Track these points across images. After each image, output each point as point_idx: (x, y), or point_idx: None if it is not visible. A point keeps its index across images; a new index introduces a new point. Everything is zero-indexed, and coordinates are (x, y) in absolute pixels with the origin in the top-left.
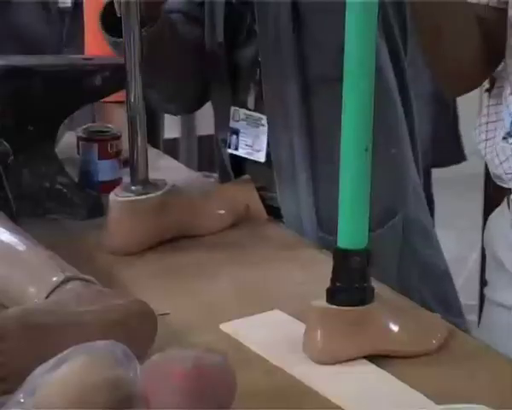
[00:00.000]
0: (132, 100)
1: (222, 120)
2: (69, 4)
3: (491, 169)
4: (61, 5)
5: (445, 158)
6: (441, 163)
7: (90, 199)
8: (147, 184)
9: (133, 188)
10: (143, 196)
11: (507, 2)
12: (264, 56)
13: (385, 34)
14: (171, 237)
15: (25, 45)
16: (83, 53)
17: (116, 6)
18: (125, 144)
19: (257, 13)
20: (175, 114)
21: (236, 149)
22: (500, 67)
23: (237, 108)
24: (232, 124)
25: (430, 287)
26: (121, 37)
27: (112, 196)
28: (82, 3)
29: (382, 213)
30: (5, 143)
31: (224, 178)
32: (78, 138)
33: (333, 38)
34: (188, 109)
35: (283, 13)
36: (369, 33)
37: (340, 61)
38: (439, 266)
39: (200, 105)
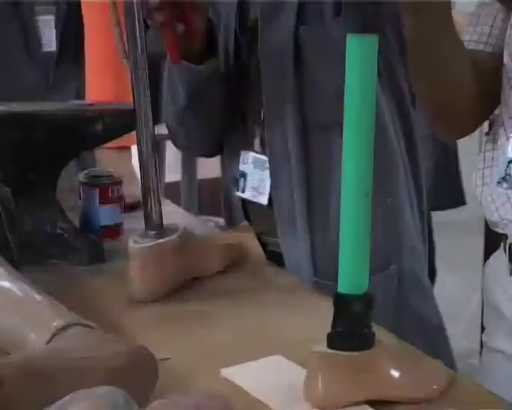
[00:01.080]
0: (144, 145)
1: (232, 163)
2: (54, 49)
3: (487, 216)
4: (45, 49)
5: (445, 201)
6: (441, 206)
7: (91, 244)
8: (161, 229)
9: (150, 233)
10: (163, 240)
11: (503, 48)
12: (267, 98)
13: (388, 77)
14: (184, 280)
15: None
16: (72, 98)
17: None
18: (126, 189)
19: (260, 55)
20: (197, 155)
21: (243, 191)
22: (496, 112)
23: (246, 151)
24: (241, 167)
25: (423, 341)
26: None
27: (131, 243)
28: (67, 47)
29: (377, 261)
30: (6, 188)
31: (230, 223)
32: (80, 183)
33: (333, 84)
34: (210, 153)
35: (286, 57)
36: (369, 73)
37: (340, 106)
38: (433, 320)
39: (219, 151)
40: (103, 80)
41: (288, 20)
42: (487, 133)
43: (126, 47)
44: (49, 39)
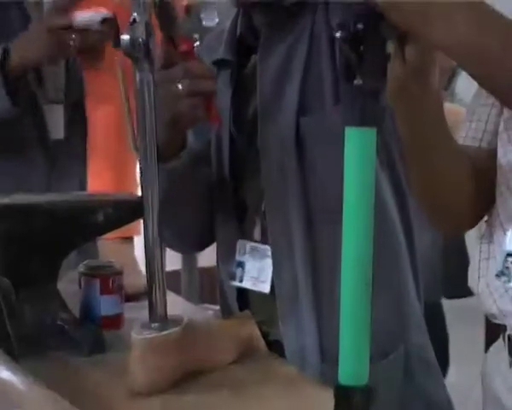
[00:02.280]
0: (150, 235)
1: (227, 253)
2: (61, 137)
3: (486, 308)
4: (53, 136)
5: (454, 291)
6: (451, 296)
7: (91, 335)
8: (165, 321)
9: (153, 324)
10: (166, 332)
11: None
12: (268, 189)
13: (386, 164)
14: (189, 372)
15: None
16: (75, 185)
17: (132, 148)
18: (127, 279)
19: (260, 147)
20: (181, 252)
21: (241, 281)
22: (492, 208)
23: (243, 241)
24: (238, 257)
25: None
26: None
27: (133, 335)
28: (74, 136)
29: (384, 344)
30: (7, 279)
31: (226, 312)
32: (81, 274)
33: (336, 171)
34: (195, 248)
35: (287, 147)
36: (368, 166)
37: (341, 195)
38: (443, 402)
39: (206, 245)
40: (106, 170)
41: (288, 110)
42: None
43: (136, 137)
44: (57, 127)
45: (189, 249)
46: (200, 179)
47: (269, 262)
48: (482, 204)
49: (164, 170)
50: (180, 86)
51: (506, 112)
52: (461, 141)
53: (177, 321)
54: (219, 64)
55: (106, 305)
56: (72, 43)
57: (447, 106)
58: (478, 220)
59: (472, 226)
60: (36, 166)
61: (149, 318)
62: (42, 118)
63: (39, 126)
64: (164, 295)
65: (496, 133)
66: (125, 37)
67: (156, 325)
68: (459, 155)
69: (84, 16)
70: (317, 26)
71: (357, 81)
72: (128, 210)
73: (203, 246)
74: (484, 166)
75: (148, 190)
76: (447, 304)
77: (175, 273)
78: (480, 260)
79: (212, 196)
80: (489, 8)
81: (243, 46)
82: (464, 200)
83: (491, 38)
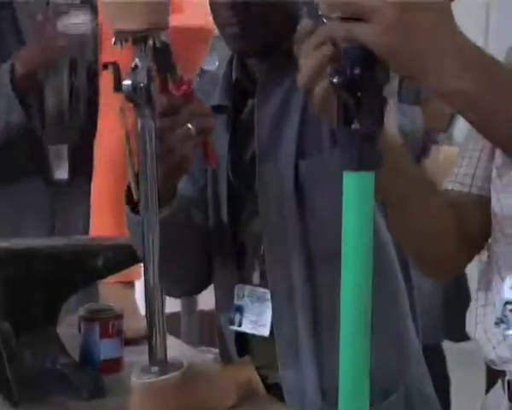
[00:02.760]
0: (151, 280)
1: (225, 297)
2: (65, 177)
3: (485, 355)
4: (57, 176)
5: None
6: (452, 338)
7: (91, 379)
8: (165, 365)
9: (153, 368)
10: (166, 376)
11: (488, 189)
12: (267, 232)
13: (383, 203)
14: None
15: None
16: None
17: (134, 190)
18: (127, 323)
19: (259, 191)
20: (177, 297)
21: (240, 325)
22: (488, 255)
23: (242, 285)
24: (237, 301)
25: None
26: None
27: (133, 379)
28: (77, 175)
29: (385, 384)
30: (7, 323)
31: (225, 357)
32: (80, 318)
33: (336, 213)
34: (192, 292)
35: (286, 191)
36: (366, 210)
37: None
38: None
39: (203, 288)
40: (107, 214)
41: (287, 154)
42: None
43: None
44: (61, 167)
45: (187, 294)
46: (194, 226)
47: (268, 306)
48: (469, 251)
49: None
50: (190, 126)
51: (498, 158)
52: (450, 184)
53: (176, 365)
54: (216, 109)
55: (105, 349)
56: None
57: (445, 149)
58: (466, 264)
59: (456, 272)
60: (38, 208)
61: (149, 361)
62: (46, 158)
63: (43, 167)
64: (164, 339)
65: (485, 179)
66: (127, 82)
67: (156, 369)
68: (441, 205)
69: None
70: None
71: (355, 125)
72: (128, 254)
73: (201, 289)
74: (472, 213)
75: (148, 233)
76: (448, 347)
77: (175, 316)
78: (477, 307)
79: (207, 241)
80: (486, 55)
81: (239, 90)
82: (448, 250)
83: (488, 87)
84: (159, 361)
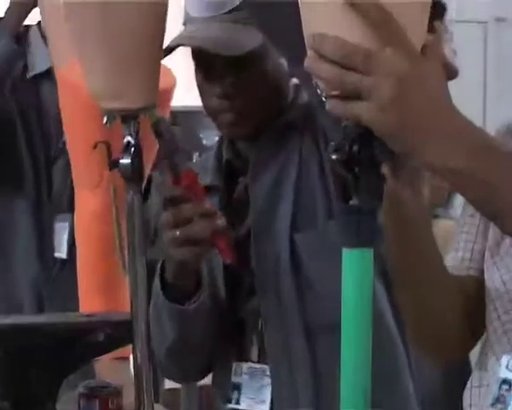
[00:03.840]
0: (139, 358)
1: (222, 376)
2: (64, 255)
3: None
4: (56, 254)
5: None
6: None
7: None
8: None
9: None
10: None
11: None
12: (265, 307)
13: (381, 272)
14: None
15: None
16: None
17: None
18: (127, 398)
19: (255, 267)
20: (180, 382)
21: (238, 403)
22: (484, 337)
23: (239, 362)
24: (234, 379)
25: None
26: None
27: None
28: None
29: None
30: (6, 402)
31: None
32: (79, 394)
33: (331, 286)
34: (199, 379)
35: (282, 264)
36: (365, 285)
37: (340, 305)
38: None
39: (207, 373)
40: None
41: (282, 228)
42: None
43: (126, 258)
44: (61, 245)
45: (193, 381)
46: (207, 322)
47: (267, 381)
48: (472, 332)
49: (180, 311)
50: (199, 228)
51: (491, 240)
52: (449, 260)
53: None
54: (207, 190)
55: None
56: None
57: (444, 223)
58: (468, 350)
59: (461, 355)
60: (32, 285)
61: None
62: (50, 234)
63: (43, 243)
64: None
65: (482, 260)
66: (125, 161)
67: None
68: (448, 278)
69: None
70: (305, 146)
71: (353, 201)
72: (127, 330)
73: (203, 377)
74: (472, 294)
75: (137, 311)
76: None
77: (175, 391)
78: (471, 388)
79: (217, 331)
80: (483, 133)
81: (230, 169)
82: (455, 325)
83: (484, 165)
84: None
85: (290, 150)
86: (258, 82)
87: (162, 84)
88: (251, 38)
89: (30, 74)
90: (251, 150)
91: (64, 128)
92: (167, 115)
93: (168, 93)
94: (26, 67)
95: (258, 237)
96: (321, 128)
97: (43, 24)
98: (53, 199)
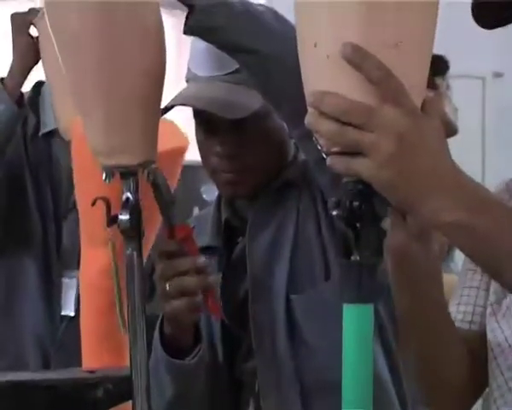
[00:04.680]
0: None
1: None
2: (72, 313)
3: None
4: (63, 312)
5: None
6: None
7: None
8: None
9: None
10: None
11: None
12: (262, 368)
13: (380, 338)
14: None
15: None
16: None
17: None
18: None
19: (252, 328)
20: None
21: None
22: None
23: None
24: None
25: None
26: None
27: None
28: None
29: None
30: None
31: None
32: None
33: (328, 345)
34: None
35: (278, 326)
36: (365, 342)
37: (336, 365)
38: None
39: None
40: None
41: (278, 289)
42: None
43: (126, 318)
44: (69, 303)
45: None
46: (206, 377)
47: None
48: (476, 385)
49: (179, 365)
50: (189, 282)
51: (492, 296)
52: (452, 314)
53: None
54: (206, 250)
55: None
56: None
57: (445, 277)
58: (473, 401)
59: (468, 407)
60: (39, 344)
61: None
62: (58, 292)
63: (50, 301)
64: None
65: (484, 315)
66: (125, 217)
67: None
68: (455, 331)
69: None
70: (303, 205)
71: (354, 257)
72: (128, 386)
73: None
74: (475, 348)
75: (137, 369)
76: None
77: None
78: None
79: (215, 390)
80: (482, 189)
81: (228, 229)
82: (460, 378)
83: (483, 221)
84: None
85: (288, 209)
86: (259, 142)
87: (175, 143)
88: (254, 99)
89: (42, 131)
90: (249, 209)
91: (74, 184)
92: (178, 174)
93: (180, 154)
94: (38, 124)
95: (256, 297)
96: (317, 186)
97: (46, 80)
98: (61, 256)
